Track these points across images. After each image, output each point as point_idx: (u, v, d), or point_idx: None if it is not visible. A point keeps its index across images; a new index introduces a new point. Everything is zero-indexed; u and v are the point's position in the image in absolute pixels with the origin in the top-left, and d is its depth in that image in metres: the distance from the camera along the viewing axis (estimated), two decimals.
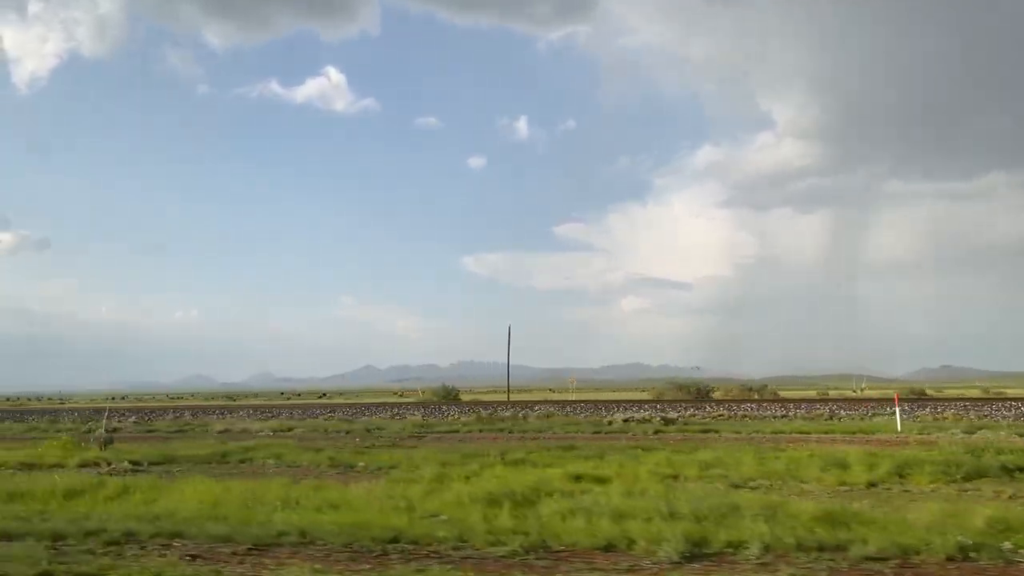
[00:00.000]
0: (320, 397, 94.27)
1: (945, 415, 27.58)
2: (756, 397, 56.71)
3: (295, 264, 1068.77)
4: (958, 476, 11.33)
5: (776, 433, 20.92)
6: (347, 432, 24.28)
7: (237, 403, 67.85)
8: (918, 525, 7.18)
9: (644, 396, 61.20)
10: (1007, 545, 6.58)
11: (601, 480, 10.90)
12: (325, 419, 32.08)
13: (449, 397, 59.39)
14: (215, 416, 36.91)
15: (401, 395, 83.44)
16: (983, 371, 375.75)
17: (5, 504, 9.78)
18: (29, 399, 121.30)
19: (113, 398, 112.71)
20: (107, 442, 19.18)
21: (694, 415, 29.80)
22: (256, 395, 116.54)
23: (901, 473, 11.63)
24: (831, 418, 27.25)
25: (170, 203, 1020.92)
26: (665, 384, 70.89)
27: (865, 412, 29.85)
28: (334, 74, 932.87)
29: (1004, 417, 26.42)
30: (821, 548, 6.63)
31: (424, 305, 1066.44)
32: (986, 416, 27.22)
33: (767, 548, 6.63)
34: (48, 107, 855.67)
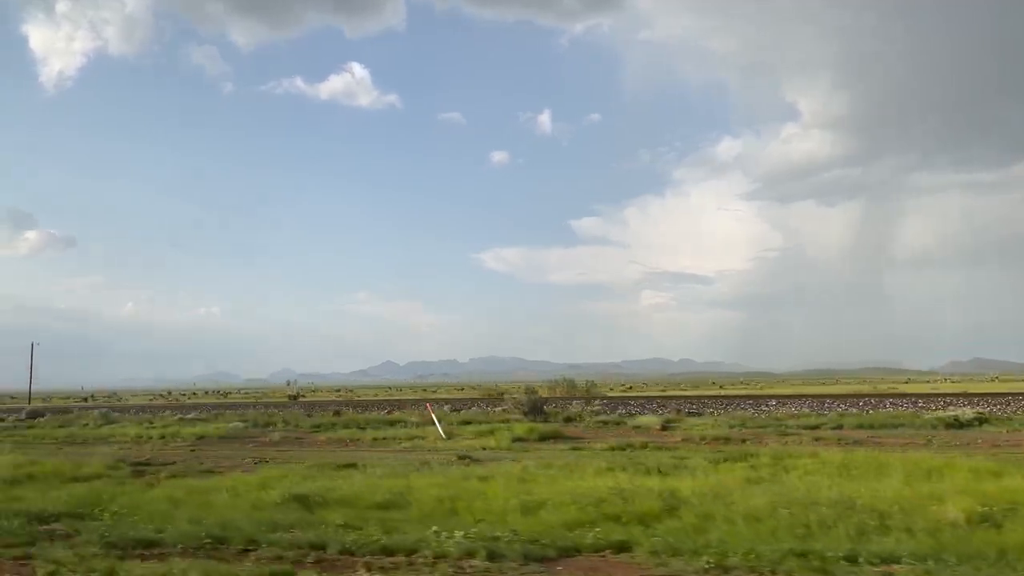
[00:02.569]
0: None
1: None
2: None
3: (315, 261, 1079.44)
4: None
5: None
6: None
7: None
8: None
9: None
10: None
11: None
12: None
13: None
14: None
15: None
16: (1015, 363, 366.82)
17: None
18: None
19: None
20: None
21: None
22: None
23: None
24: None
25: (193, 201, 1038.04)
26: None
27: None
28: (358, 70, 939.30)
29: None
30: None
31: (441, 301, 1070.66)
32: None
33: None
34: (74, 106, 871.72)
